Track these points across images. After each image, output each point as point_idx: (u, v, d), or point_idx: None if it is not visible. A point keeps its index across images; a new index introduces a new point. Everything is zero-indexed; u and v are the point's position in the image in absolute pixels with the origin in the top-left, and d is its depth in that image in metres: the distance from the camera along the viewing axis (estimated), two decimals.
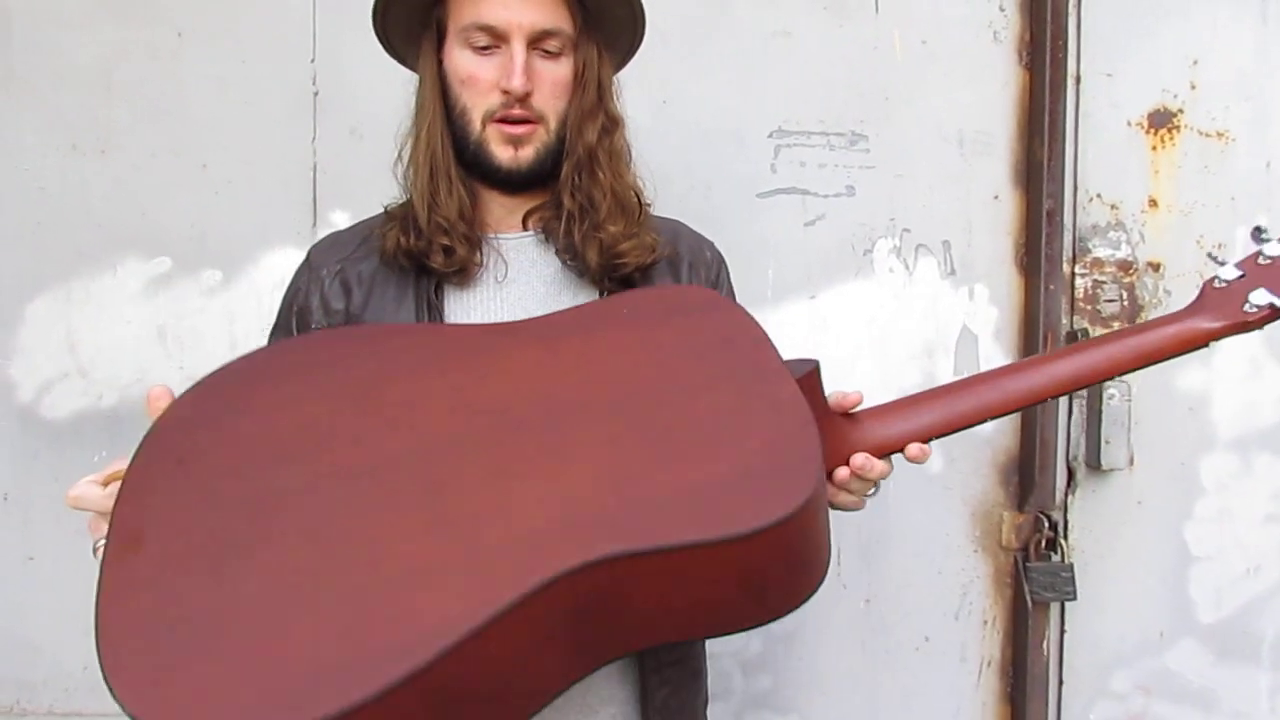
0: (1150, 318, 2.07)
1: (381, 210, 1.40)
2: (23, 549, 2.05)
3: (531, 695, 0.93)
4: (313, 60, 2.06)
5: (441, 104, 1.31)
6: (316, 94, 2.07)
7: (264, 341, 2.03)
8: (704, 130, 2.10)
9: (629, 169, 1.38)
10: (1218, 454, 2.14)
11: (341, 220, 2.03)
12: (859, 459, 1.14)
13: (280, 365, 1.14)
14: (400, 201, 1.37)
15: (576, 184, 1.32)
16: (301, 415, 1.07)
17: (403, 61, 1.42)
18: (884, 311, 2.13)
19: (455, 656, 0.84)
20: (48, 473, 2.04)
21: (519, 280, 1.34)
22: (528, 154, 1.30)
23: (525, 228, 1.36)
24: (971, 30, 2.12)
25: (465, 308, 1.32)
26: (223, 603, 0.89)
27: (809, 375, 1.12)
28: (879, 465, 1.15)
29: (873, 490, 1.19)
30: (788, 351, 2.03)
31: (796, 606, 1.04)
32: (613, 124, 1.35)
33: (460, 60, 1.29)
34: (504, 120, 1.28)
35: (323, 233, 2.01)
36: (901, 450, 1.16)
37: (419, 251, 1.29)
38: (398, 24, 1.36)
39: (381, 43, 1.40)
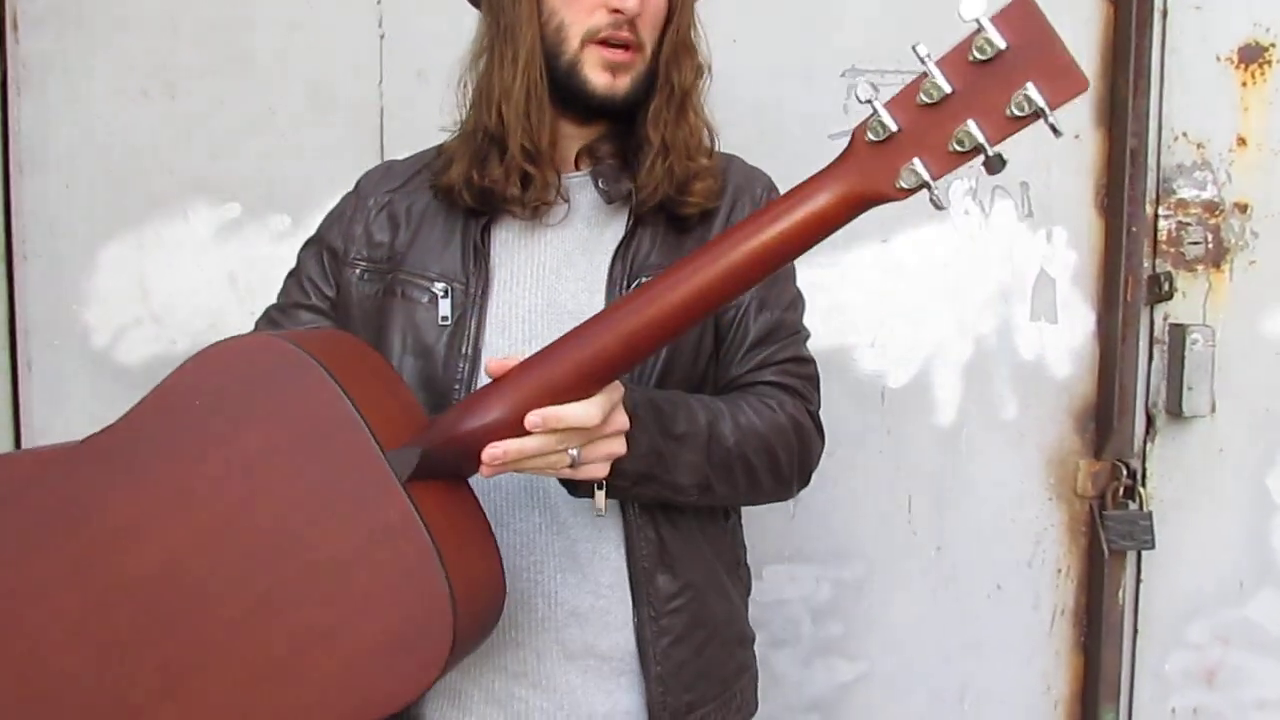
0: (1236, 261, 2.03)
1: (435, 147, 1.37)
2: None
3: None
4: (379, 3, 2.04)
5: (537, 23, 1.24)
6: (383, 37, 2.05)
7: None
8: (775, 69, 2.05)
9: (704, 109, 1.33)
10: None
11: None
12: (487, 454, 1.01)
13: None
14: (461, 134, 1.32)
15: (665, 120, 1.26)
16: None
17: None
18: (959, 255, 2.09)
19: None
20: None
21: (560, 217, 1.30)
22: (624, 83, 1.24)
23: (577, 167, 1.33)
24: None
25: (511, 249, 1.30)
26: None
27: (420, 464, 1.01)
28: (514, 447, 1.01)
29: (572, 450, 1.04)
30: (861, 299, 2.04)
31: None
32: (702, 69, 1.31)
33: None
34: (606, 42, 1.22)
35: None
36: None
37: (492, 185, 1.25)
38: None
39: None
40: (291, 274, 1.41)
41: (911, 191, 0.89)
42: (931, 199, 0.89)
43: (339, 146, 2.05)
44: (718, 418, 1.21)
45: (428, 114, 1.99)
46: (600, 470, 1.08)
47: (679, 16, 1.27)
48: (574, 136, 1.31)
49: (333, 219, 1.40)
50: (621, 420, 1.07)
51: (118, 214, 2.04)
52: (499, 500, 1.25)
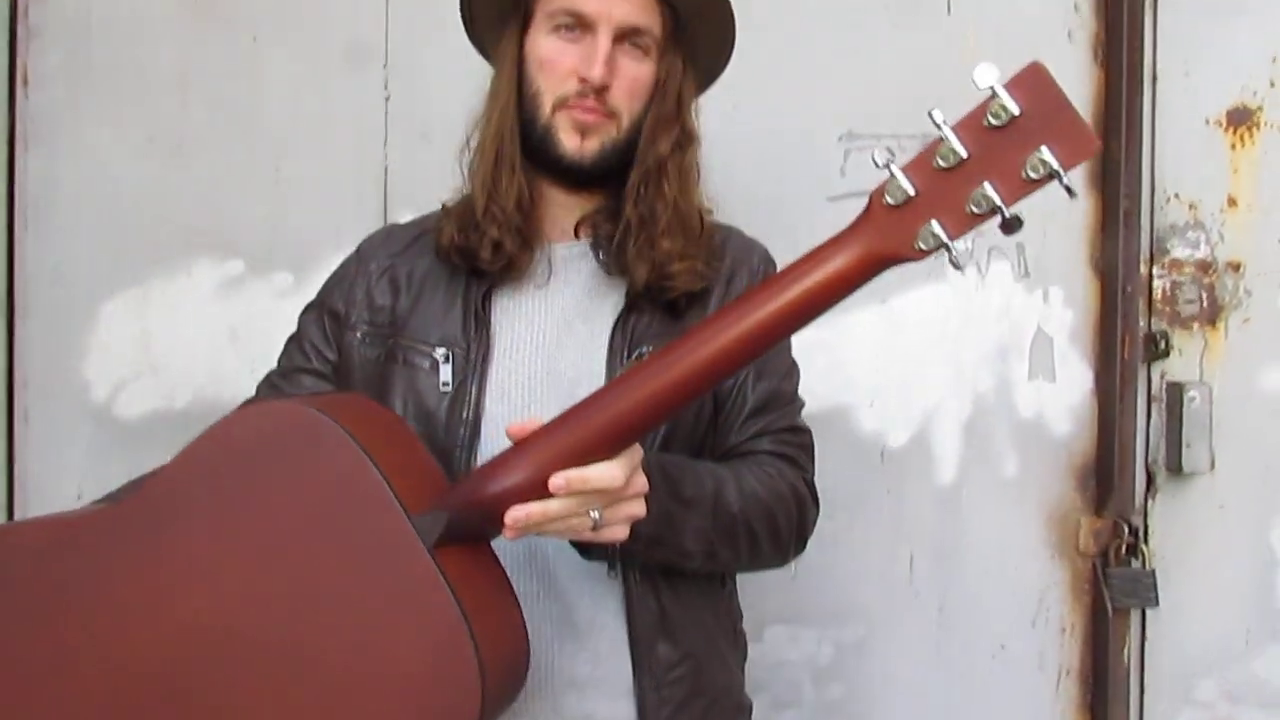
0: (1231, 319, 2.05)
1: (440, 206, 1.38)
2: None
3: None
4: (385, 65, 2.08)
5: (516, 89, 1.28)
6: (388, 98, 2.08)
7: None
8: (773, 134, 2.08)
9: (697, 187, 1.34)
10: None
11: None
12: (510, 517, 1.00)
13: None
14: (461, 196, 1.35)
15: (641, 194, 1.28)
16: None
17: (481, 49, 1.40)
18: (957, 315, 2.11)
19: None
20: (121, 471, 2.00)
21: (561, 286, 1.32)
22: (593, 145, 1.26)
23: (576, 236, 1.33)
24: (1045, 29, 2.10)
25: (511, 316, 1.30)
26: None
27: (445, 529, 1.01)
28: (537, 510, 1.00)
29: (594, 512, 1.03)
30: (860, 359, 2.05)
31: None
32: (688, 139, 1.32)
33: (543, 43, 1.26)
34: (575, 108, 1.25)
35: None
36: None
37: (470, 248, 1.27)
38: (485, 6, 1.34)
39: (465, 24, 1.38)
40: (292, 338, 1.40)
41: (929, 252, 0.91)
42: (951, 259, 0.91)
43: (343, 206, 2.07)
44: (723, 484, 1.21)
45: (431, 174, 2.01)
46: (621, 532, 1.06)
47: (665, 87, 1.29)
48: (566, 205, 1.33)
49: (334, 282, 1.40)
50: (642, 483, 1.06)
51: (121, 268, 2.05)
52: None
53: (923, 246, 0.91)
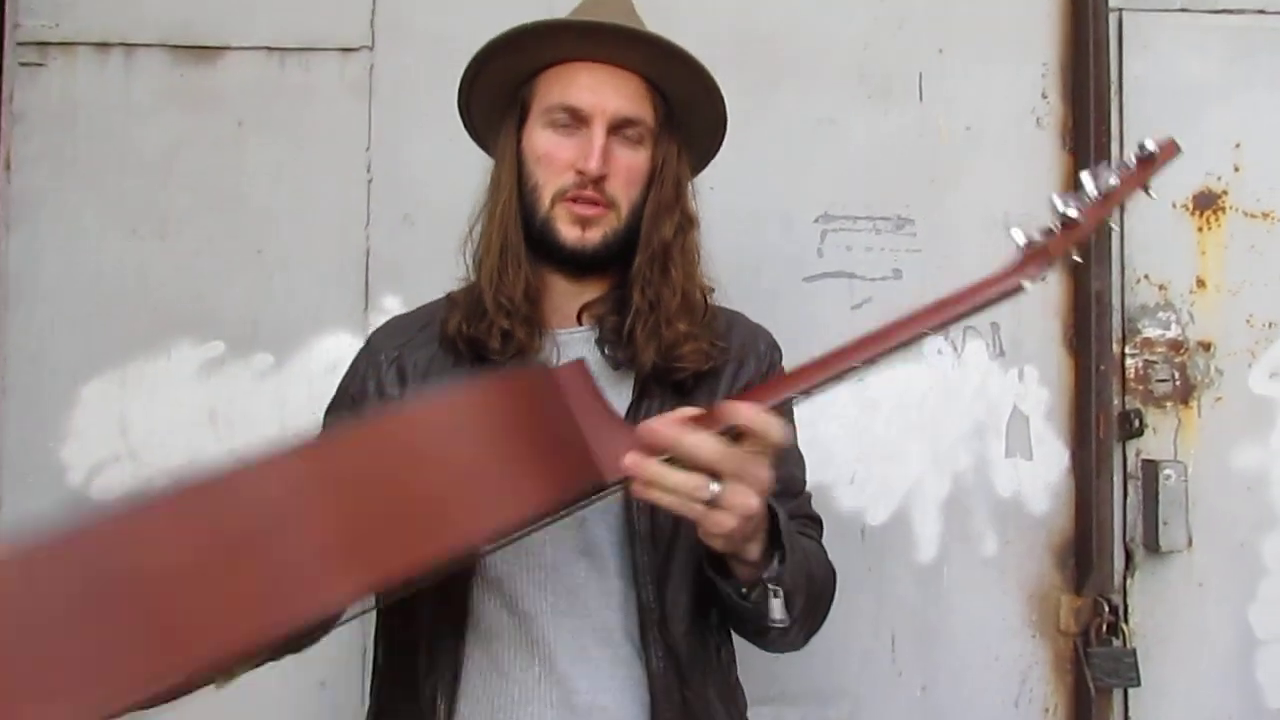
0: (1203, 398, 2.08)
1: (445, 296, 1.38)
2: None
3: None
4: (368, 148, 2.10)
5: (516, 182, 1.30)
6: (370, 181, 2.10)
7: (314, 423, 2.05)
8: (751, 215, 2.12)
9: (699, 269, 1.36)
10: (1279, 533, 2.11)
11: (394, 306, 2.05)
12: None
13: None
14: (465, 285, 1.35)
15: (648, 279, 1.29)
16: None
17: (480, 141, 1.43)
18: (933, 393, 2.13)
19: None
20: None
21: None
22: (595, 236, 1.28)
23: (580, 322, 1.34)
24: (1014, 116, 2.15)
25: None
26: None
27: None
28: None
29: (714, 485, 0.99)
30: (839, 437, 2.06)
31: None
32: (689, 222, 1.34)
33: (540, 138, 1.29)
34: (574, 200, 1.27)
35: (374, 318, 2.04)
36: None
37: (478, 337, 1.27)
38: (482, 100, 1.38)
39: (463, 118, 1.41)
40: None
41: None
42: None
43: (325, 287, 2.08)
44: (807, 547, 1.22)
45: (413, 256, 2.08)
46: (729, 521, 1.00)
47: (662, 173, 1.32)
48: (569, 293, 1.33)
49: (349, 378, 1.40)
50: (767, 475, 1.03)
51: (101, 350, 2.05)
52: (499, 650, 1.23)
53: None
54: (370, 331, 1.46)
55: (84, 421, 2.04)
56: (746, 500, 1.00)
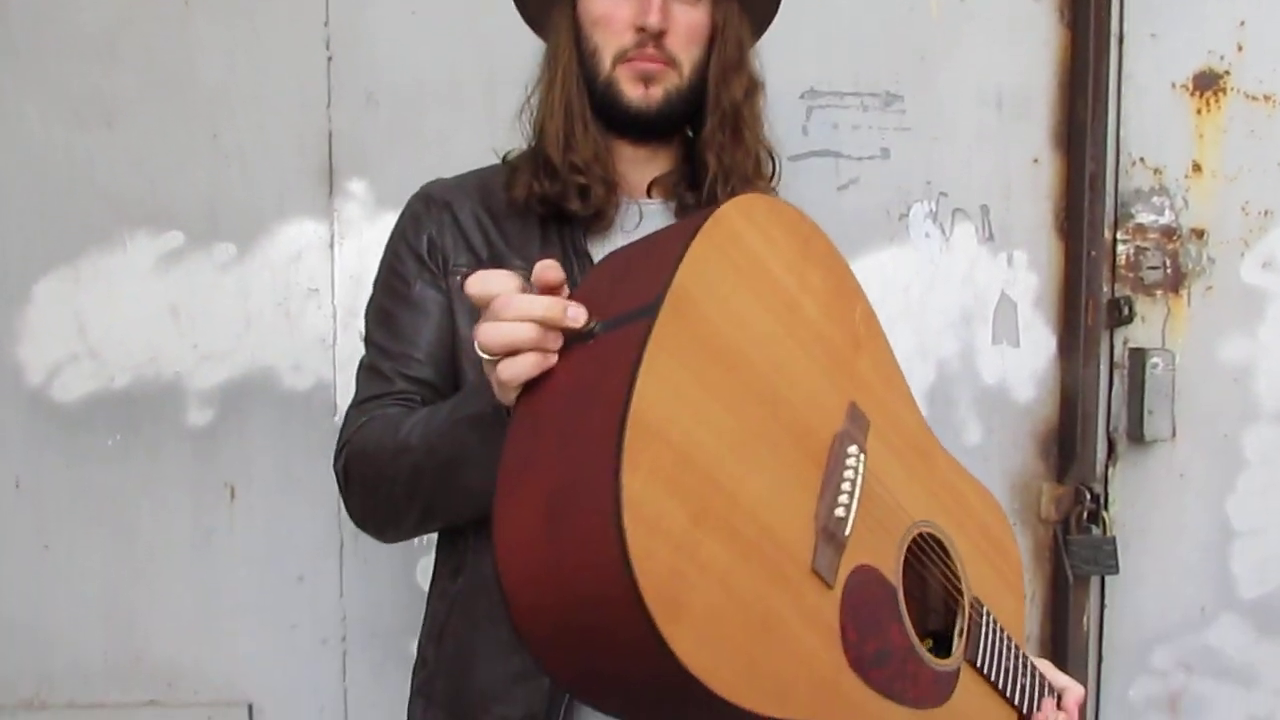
0: (1194, 287, 2.04)
1: (499, 161, 1.36)
2: (37, 538, 1.99)
3: None
4: (326, 24, 1.97)
5: (575, 49, 1.28)
6: (330, 59, 1.98)
7: (279, 315, 1.98)
8: None
9: (764, 133, 1.36)
10: (1262, 426, 2.09)
11: (360, 190, 1.98)
12: None
13: None
14: (522, 152, 1.34)
15: (721, 143, 1.29)
16: None
17: (531, 21, 1.40)
18: (920, 278, 2.07)
19: None
20: (60, 458, 1.97)
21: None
22: (658, 93, 1.26)
23: (649, 195, 1.33)
24: None
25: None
26: None
27: None
28: None
29: None
30: None
31: None
32: (755, 85, 1.34)
33: (596, 2, 1.26)
34: (635, 59, 1.24)
35: (339, 203, 1.96)
36: None
37: (555, 195, 1.26)
38: None
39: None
40: (379, 350, 1.30)
41: None
42: None
43: (286, 172, 1.98)
44: None
45: (377, 138, 1.98)
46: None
47: (724, 33, 1.29)
48: (637, 161, 1.33)
49: (409, 233, 1.32)
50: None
51: (53, 246, 1.95)
52: None
53: None
54: (408, 201, 1.37)
55: (39, 321, 1.96)
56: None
